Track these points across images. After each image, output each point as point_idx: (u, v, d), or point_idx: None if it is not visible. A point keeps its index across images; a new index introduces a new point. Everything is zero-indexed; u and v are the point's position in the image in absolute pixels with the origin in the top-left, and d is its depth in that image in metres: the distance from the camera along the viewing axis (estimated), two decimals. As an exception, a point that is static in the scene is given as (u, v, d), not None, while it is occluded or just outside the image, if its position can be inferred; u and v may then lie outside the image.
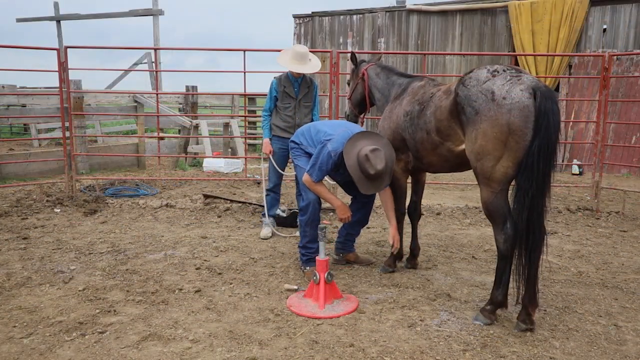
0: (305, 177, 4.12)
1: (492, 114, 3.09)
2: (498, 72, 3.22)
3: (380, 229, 5.87)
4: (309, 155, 4.29)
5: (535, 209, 3.11)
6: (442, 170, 3.95)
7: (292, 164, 5.88)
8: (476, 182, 3.45)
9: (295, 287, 3.93)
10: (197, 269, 4.40)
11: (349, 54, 5.08)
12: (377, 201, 5.40)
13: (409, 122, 3.85)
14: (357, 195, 4.42)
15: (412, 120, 3.82)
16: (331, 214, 6.50)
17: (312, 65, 5.29)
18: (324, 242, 3.72)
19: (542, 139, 3.00)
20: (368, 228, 5.89)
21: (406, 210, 4.44)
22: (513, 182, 3.24)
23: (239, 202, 6.88)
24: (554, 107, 3.01)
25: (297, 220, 4.83)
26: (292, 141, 4.47)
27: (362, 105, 4.81)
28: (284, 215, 5.90)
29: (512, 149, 3.08)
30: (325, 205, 6.23)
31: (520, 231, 3.16)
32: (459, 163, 3.63)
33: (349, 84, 5.01)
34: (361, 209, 4.46)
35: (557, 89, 11.76)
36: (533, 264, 3.18)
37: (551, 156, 3.04)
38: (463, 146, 3.42)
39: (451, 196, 8.01)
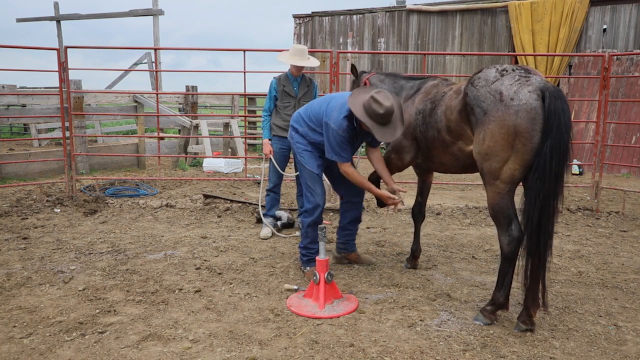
0: (343, 167, 3.97)
1: (500, 115, 3.07)
2: (507, 71, 3.20)
3: (380, 229, 5.87)
4: (313, 144, 4.17)
5: (546, 210, 3.06)
6: (452, 170, 3.91)
7: (292, 163, 5.90)
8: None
9: (295, 287, 3.93)
10: (197, 269, 4.40)
11: (349, 54, 5.12)
12: (374, 201, 5.33)
13: (421, 120, 3.84)
14: (346, 195, 4.40)
15: (425, 118, 3.80)
16: (331, 213, 6.50)
17: (311, 62, 5.37)
18: (324, 242, 3.72)
19: (554, 139, 2.96)
20: (368, 228, 5.89)
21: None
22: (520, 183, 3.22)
23: (239, 202, 6.88)
24: (564, 107, 2.99)
25: (300, 220, 4.79)
26: (292, 127, 4.31)
27: None
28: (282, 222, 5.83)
29: (519, 151, 3.06)
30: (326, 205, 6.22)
31: (530, 233, 3.11)
32: (470, 163, 3.58)
33: None
34: (352, 209, 4.43)
35: (557, 89, 11.76)
36: (542, 266, 3.14)
37: (564, 156, 3.00)
38: None
39: (451, 196, 8.01)
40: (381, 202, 4.31)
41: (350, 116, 3.85)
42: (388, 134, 3.77)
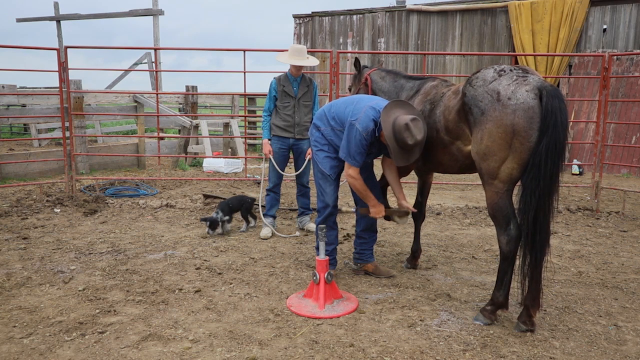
0: (348, 171, 3.86)
1: (497, 115, 3.08)
2: (505, 71, 3.21)
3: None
4: (330, 144, 4.06)
5: (542, 209, 3.06)
6: (451, 170, 3.90)
7: (292, 163, 5.90)
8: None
9: (352, 209, 3.69)
10: (197, 269, 4.40)
11: (349, 54, 5.11)
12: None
13: None
14: (358, 201, 4.28)
15: (424, 119, 3.80)
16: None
17: (310, 61, 5.37)
18: (323, 242, 3.72)
19: (550, 138, 2.97)
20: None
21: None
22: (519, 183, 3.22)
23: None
24: (561, 105, 2.99)
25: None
26: (314, 124, 4.17)
27: None
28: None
29: (517, 150, 3.07)
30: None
31: (526, 231, 3.13)
32: (469, 164, 3.57)
33: (350, 90, 5.01)
34: (365, 216, 4.26)
35: (557, 89, 11.76)
36: (538, 265, 3.15)
37: (559, 155, 3.00)
38: None
39: (451, 196, 8.00)
40: (388, 216, 4.27)
41: (377, 123, 3.76)
42: (404, 159, 3.70)
